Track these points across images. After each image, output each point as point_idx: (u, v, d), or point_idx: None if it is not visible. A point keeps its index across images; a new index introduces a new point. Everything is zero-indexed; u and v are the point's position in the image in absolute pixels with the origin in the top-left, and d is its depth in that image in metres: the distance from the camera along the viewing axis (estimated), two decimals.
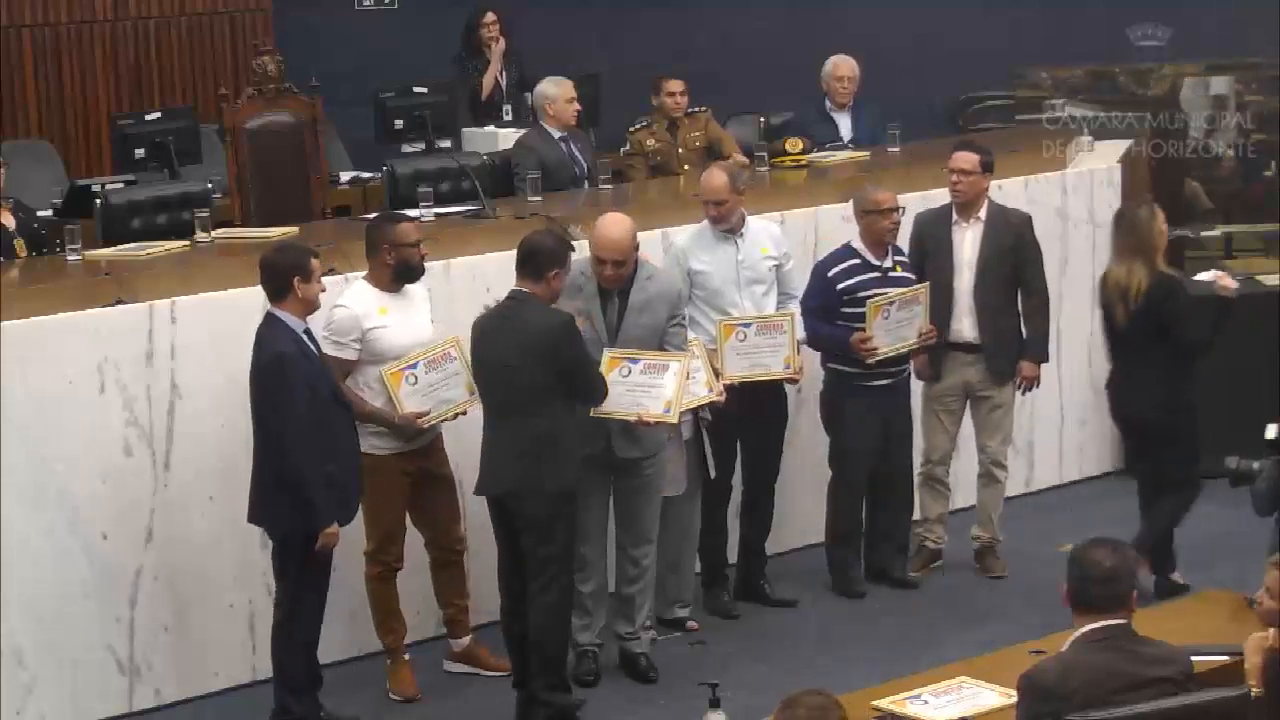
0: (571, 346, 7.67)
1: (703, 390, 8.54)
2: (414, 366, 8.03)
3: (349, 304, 7.99)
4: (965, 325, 9.27)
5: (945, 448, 9.44)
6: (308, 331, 7.68)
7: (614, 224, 8.14)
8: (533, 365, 7.57)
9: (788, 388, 9.06)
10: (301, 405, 7.50)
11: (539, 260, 7.71)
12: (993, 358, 9.29)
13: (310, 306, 7.68)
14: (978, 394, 9.35)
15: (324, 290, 7.76)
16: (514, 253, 8.47)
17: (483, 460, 7.85)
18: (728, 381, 8.65)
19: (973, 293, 9.24)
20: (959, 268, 9.24)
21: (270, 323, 7.64)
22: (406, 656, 8.29)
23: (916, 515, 9.50)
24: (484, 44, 13.32)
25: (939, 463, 9.44)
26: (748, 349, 8.73)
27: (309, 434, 7.51)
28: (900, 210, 9.10)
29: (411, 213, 9.02)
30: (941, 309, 9.18)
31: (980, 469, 9.50)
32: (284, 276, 7.62)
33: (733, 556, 9.22)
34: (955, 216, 9.29)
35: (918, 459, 9.49)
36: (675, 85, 11.70)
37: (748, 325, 8.76)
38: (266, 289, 7.70)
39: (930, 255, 9.28)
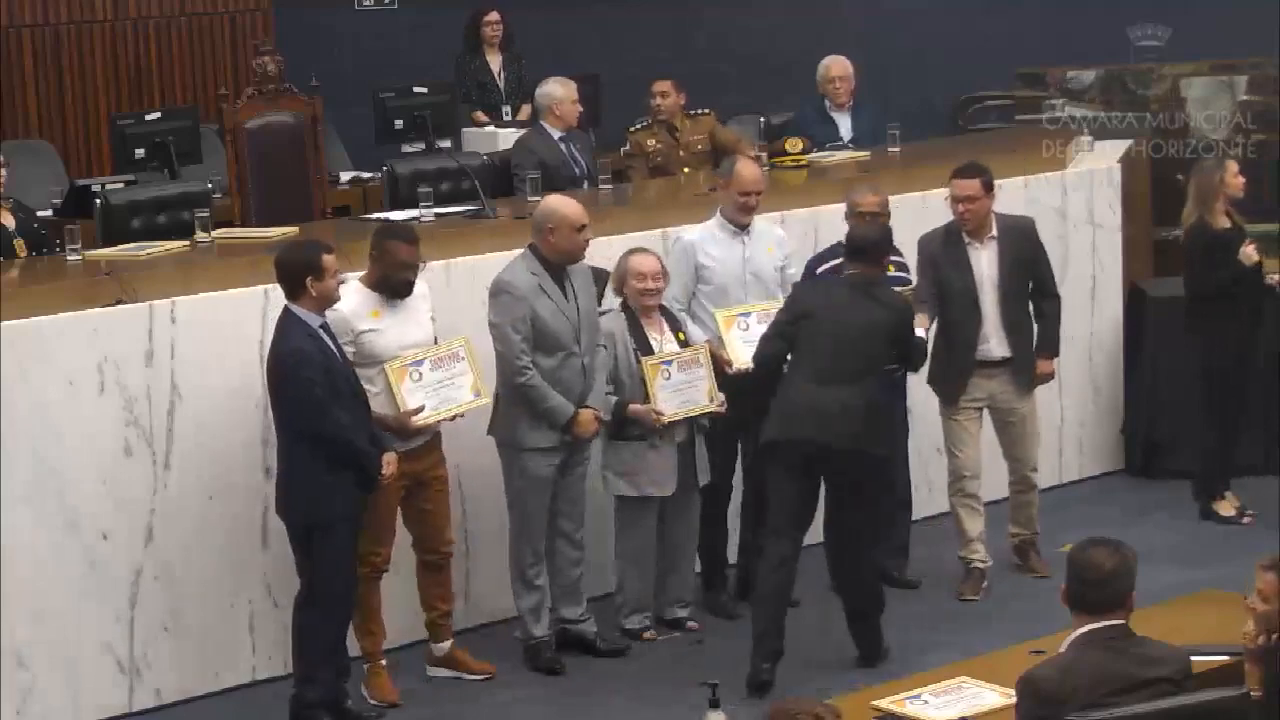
0: (912, 328, 8.46)
1: (703, 399, 8.57)
2: (419, 363, 8.03)
3: (339, 306, 7.96)
4: (993, 343, 9.16)
5: (976, 460, 9.26)
6: (324, 326, 7.72)
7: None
8: (879, 341, 8.25)
9: None
10: (321, 391, 7.57)
11: (878, 249, 8.43)
12: (1020, 368, 9.22)
13: (327, 302, 7.73)
14: (1001, 406, 9.25)
15: (343, 281, 7.80)
16: (514, 253, 8.50)
17: (797, 409, 8.13)
18: (742, 368, 8.66)
19: (999, 310, 9.15)
20: (983, 288, 9.13)
21: (287, 318, 7.71)
22: (383, 662, 8.21)
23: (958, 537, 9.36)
24: (485, 42, 13.34)
25: (972, 476, 9.27)
26: (751, 339, 8.72)
27: (332, 411, 7.59)
28: (887, 214, 9.06)
29: (411, 213, 9.01)
30: (969, 330, 9.13)
31: (1014, 477, 9.39)
32: (297, 276, 7.67)
33: (733, 556, 9.22)
34: (968, 239, 9.15)
35: (946, 478, 9.40)
36: (660, 85, 11.67)
37: (747, 315, 8.79)
38: (282, 288, 7.75)
39: (948, 277, 9.12)
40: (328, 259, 7.71)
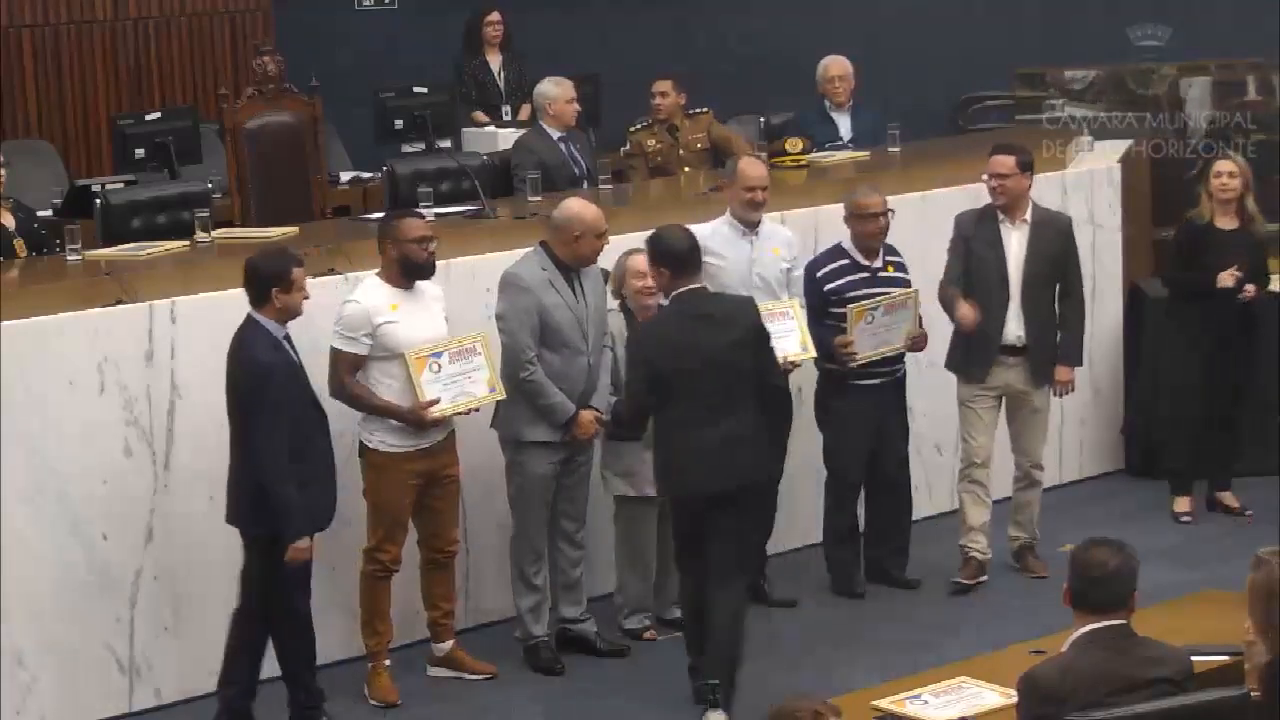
0: (759, 318, 8.01)
1: None
2: (439, 355, 8.04)
3: (360, 299, 7.99)
4: (1013, 326, 9.19)
5: (989, 449, 9.28)
6: (287, 337, 7.66)
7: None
8: (734, 359, 7.76)
9: (791, 387, 9.05)
10: (281, 419, 7.50)
11: (694, 255, 7.88)
12: (1037, 360, 9.23)
13: (290, 314, 7.65)
14: (1018, 396, 9.27)
15: (307, 297, 7.71)
16: (514, 253, 8.50)
17: (693, 461, 7.71)
18: None
19: (1022, 294, 9.18)
20: (1011, 267, 9.17)
21: (249, 326, 7.63)
22: (387, 663, 8.21)
23: (958, 523, 9.38)
24: (486, 42, 13.34)
25: (982, 465, 9.28)
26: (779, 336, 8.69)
27: (284, 446, 7.51)
28: (890, 213, 9.06)
29: None
30: (995, 307, 9.15)
31: (1019, 471, 9.41)
32: (264, 285, 7.61)
33: None
34: (1002, 217, 9.19)
35: (956, 463, 9.41)
36: (660, 85, 11.70)
37: None
38: (247, 293, 7.68)
39: (980, 256, 9.17)
40: (297, 272, 7.64)
